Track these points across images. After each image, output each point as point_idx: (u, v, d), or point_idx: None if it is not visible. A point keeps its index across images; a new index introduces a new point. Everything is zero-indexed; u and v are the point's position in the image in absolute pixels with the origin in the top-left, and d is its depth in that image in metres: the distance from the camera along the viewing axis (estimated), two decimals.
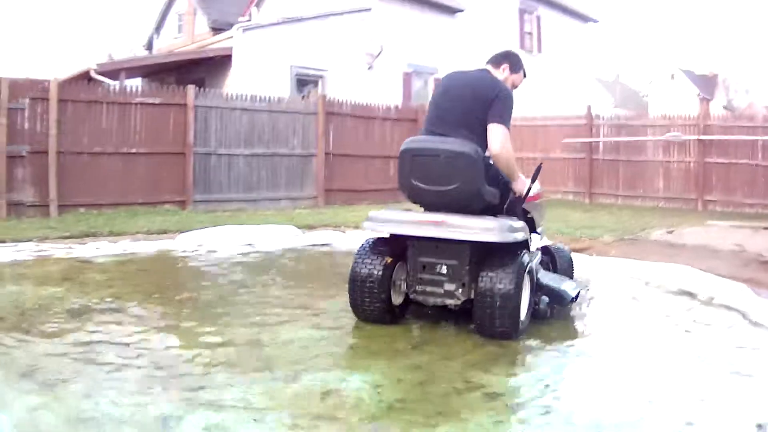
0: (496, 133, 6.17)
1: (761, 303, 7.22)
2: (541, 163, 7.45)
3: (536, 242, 7.11)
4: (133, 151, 16.77)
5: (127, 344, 5.71)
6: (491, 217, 6.28)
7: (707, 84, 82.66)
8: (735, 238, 11.84)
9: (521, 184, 6.48)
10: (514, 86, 6.82)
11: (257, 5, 31.83)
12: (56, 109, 15.50)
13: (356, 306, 6.51)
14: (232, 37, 24.17)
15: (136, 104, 16.90)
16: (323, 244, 11.99)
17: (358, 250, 6.62)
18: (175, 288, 8.38)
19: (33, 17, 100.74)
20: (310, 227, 13.94)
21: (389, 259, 6.43)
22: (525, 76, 7.02)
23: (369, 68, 26.26)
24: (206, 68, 24.95)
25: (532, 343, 6.03)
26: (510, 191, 6.55)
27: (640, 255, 10.67)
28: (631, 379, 5.16)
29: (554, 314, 6.85)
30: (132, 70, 25.40)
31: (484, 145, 6.21)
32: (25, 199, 15.21)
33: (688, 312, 7.38)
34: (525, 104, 26.54)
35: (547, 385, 4.96)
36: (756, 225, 13.64)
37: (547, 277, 6.90)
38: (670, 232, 12.70)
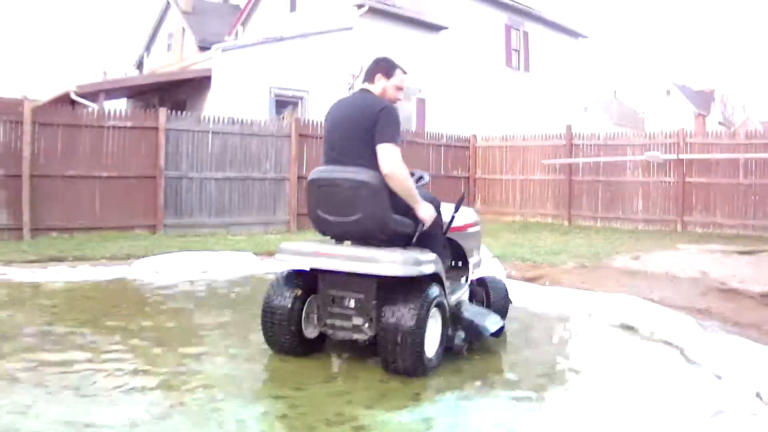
0: (383, 153, 5.91)
1: (703, 338, 6.95)
2: (464, 193, 7.75)
3: (461, 274, 7.33)
4: (105, 174, 16.50)
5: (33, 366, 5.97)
6: (398, 249, 6.03)
7: (703, 100, 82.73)
8: (701, 264, 11.53)
9: (425, 209, 6.13)
10: (399, 89, 6.57)
11: (243, 24, 31.76)
12: (30, 131, 15.43)
13: (268, 337, 6.43)
14: (211, 57, 23.87)
15: (108, 127, 16.70)
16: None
17: (272, 282, 6.53)
18: (107, 316, 8.24)
19: (27, 36, 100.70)
20: (271, 253, 13.52)
21: (299, 292, 6.32)
22: (404, 72, 6.67)
23: (349, 89, 25.85)
24: (188, 89, 24.72)
25: (436, 381, 5.81)
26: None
27: (596, 283, 10.43)
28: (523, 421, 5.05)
29: (478, 349, 6.70)
30: (115, 91, 25.21)
31: (373, 166, 5.97)
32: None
33: (623, 347, 7.26)
34: (510, 124, 26.52)
35: (429, 428, 4.89)
36: (729, 249, 13.44)
37: (470, 311, 6.66)
38: (635, 258, 12.34)
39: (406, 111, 27.81)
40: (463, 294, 6.97)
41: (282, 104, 24.86)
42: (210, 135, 18.34)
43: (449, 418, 5.01)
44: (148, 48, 38.35)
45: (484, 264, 8.62)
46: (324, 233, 6.43)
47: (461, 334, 6.34)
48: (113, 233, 15.93)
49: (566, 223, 21.32)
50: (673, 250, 13.60)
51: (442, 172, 23.63)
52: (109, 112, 17.37)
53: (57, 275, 10.85)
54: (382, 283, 5.93)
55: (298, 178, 19.44)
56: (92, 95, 21.62)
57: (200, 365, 6.17)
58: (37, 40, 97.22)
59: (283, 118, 23.25)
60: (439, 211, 6.49)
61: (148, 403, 5.14)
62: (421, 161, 22.73)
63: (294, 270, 6.50)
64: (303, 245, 6.36)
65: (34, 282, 10.37)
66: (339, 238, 6.37)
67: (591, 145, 21.37)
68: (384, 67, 6.51)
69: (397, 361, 5.76)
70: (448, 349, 6.23)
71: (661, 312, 8.06)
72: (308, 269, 6.35)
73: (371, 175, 5.92)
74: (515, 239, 16.77)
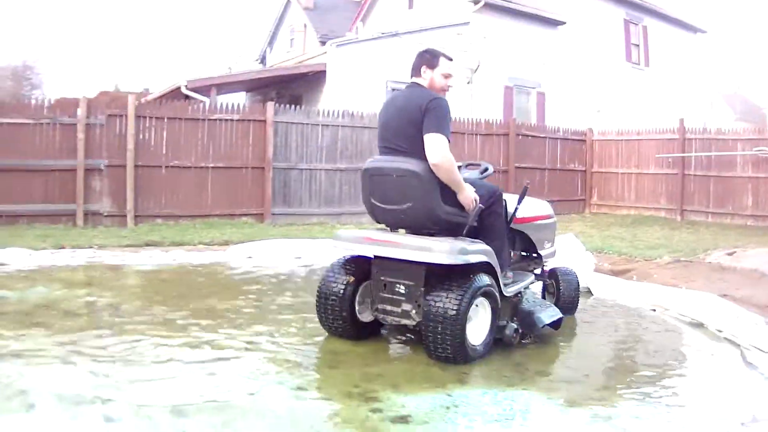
0: (431, 143, 5.96)
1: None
2: (527, 184, 7.37)
3: (531, 265, 7.67)
4: (212, 165, 17.03)
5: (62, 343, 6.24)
6: (449, 238, 6.09)
7: None
8: None
9: (466, 194, 6.15)
10: (447, 77, 6.50)
11: (363, 20, 31.83)
12: (133, 124, 16.08)
13: (322, 321, 6.68)
14: (326, 53, 24.11)
15: (216, 120, 17.19)
16: None
17: (328, 268, 6.78)
18: (180, 297, 8.64)
19: (158, 33, 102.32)
20: None
21: (351, 278, 6.53)
22: (449, 58, 6.58)
23: (468, 83, 25.81)
24: (304, 83, 25.07)
25: (479, 369, 5.86)
26: (479, 210, 6.28)
27: (685, 279, 10.23)
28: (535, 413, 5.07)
29: (537, 339, 6.81)
30: (228, 86, 25.66)
31: (424, 158, 6.03)
32: (102, 209, 15.91)
33: (683, 344, 7.24)
34: (629, 119, 26.13)
35: (446, 413, 4.86)
36: None
37: (529, 303, 6.76)
38: (730, 254, 12.02)
39: (524, 105, 27.73)
40: (527, 284, 6.99)
41: None
42: (320, 128, 18.66)
43: (471, 407, 4.98)
44: (270, 43, 38.80)
45: (562, 256, 8.86)
46: (378, 221, 6.60)
47: (513, 325, 6.35)
48: (219, 221, 16.42)
49: (679, 218, 20.87)
50: None
51: (558, 165, 23.44)
52: (218, 106, 18.06)
53: (150, 258, 11.46)
54: (432, 270, 6.01)
55: None
56: (204, 89, 22.05)
57: (252, 343, 6.48)
58: (168, 37, 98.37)
59: None
60: (498, 202, 6.54)
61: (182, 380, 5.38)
62: (538, 154, 22.88)
63: (349, 257, 6.68)
64: (357, 233, 6.54)
65: (122, 264, 11.01)
66: (392, 227, 6.55)
67: (703, 140, 20.87)
68: (427, 58, 6.48)
69: (438, 347, 5.82)
70: (498, 339, 6.28)
71: (734, 311, 7.92)
72: (362, 256, 6.55)
73: (420, 166, 5.99)
74: (621, 233, 16.66)
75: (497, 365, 5.97)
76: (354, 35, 26.45)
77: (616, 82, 29.59)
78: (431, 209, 6.05)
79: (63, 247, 12.21)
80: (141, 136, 16.32)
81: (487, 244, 6.23)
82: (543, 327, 6.63)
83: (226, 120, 17.36)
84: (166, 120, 16.61)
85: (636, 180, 22.68)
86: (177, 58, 78.99)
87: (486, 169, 7.16)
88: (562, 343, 6.99)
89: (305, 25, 35.19)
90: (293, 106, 18.90)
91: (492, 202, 6.46)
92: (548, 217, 7.78)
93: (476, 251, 6.00)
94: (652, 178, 22.21)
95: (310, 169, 18.39)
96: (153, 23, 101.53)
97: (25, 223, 15.00)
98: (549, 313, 6.77)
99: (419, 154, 6.01)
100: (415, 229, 6.32)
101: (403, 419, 4.66)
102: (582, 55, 28.34)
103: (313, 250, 11.88)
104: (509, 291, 6.46)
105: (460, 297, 5.79)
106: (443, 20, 26.06)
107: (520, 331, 6.44)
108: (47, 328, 6.76)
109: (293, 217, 17.83)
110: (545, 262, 7.72)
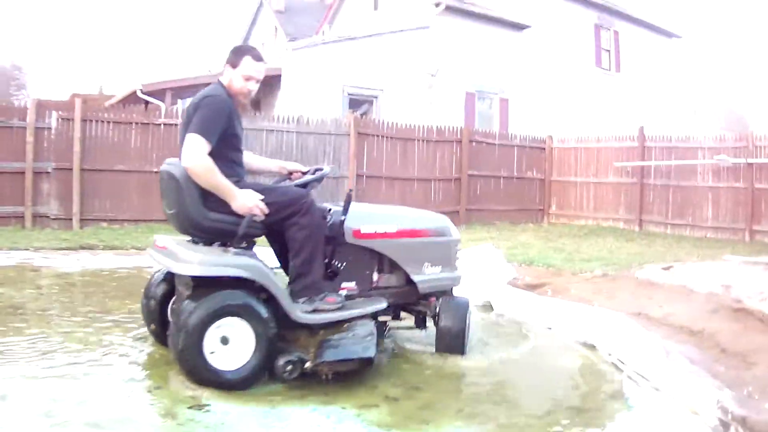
0: (185, 145, 5.51)
1: (660, 366, 6.22)
2: (350, 192, 6.95)
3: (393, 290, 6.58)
4: (156, 170, 16.18)
5: None
6: (211, 248, 5.73)
7: None
8: (732, 278, 10.34)
9: (241, 201, 5.52)
10: (247, 80, 5.87)
11: (330, 22, 31.50)
12: (80, 127, 16.09)
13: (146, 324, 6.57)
14: (280, 57, 23.56)
15: (159, 125, 17.06)
16: None
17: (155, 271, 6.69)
18: (82, 300, 8.83)
19: (136, 34, 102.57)
20: None
21: (165, 286, 6.38)
22: (260, 59, 5.99)
23: (429, 87, 25.14)
24: (262, 88, 23.98)
25: (209, 393, 5.28)
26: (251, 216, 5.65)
27: (607, 295, 9.67)
28: None
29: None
30: (191, 89, 25.07)
31: (216, 162, 5.51)
32: (50, 212, 15.97)
33: (557, 365, 6.85)
34: (599, 126, 25.46)
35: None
36: None
37: (346, 333, 5.79)
38: (666, 269, 11.31)
39: (487, 111, 27.06)
40: (358, 314, 5.99)
41: (356, 103, 24.34)
42: (264, 133, 18.13)
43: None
44: None
45: (476, 266, 8.63)
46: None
47: (289, 357, 5.55)
48: (163, 226, 15.45)
49: (637, 228, 20.15)
50: (716, 260, 12.52)
51: (516, 173, 22.65)
52: (164, 111, 17.91)
53: (76, 262, 11.66)
54: (198, 282, 5.48)
55: (357, 175, 19.21)
56: (159, 93, 21.77)
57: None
58: (144, 38, 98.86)
59: (363, 115, 23.07)
60: (304, 212, 5.75)
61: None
62: (494, 162, 22.14)
63: None
64: (158, 238, 6.15)
65: (45, 266, 11.13)
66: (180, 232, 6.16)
67: (663, 148, 20.09)
68: (231, 56, 5.91)
69: (180, 362, 5.40)
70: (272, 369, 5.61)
71: (636, 333, 7.33)
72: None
73: (178, 169, 5.59)
74: (565, 244, 15.99)
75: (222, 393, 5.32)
76: (320, 38, 25.77)
77: (585, 88, 28.97)
78: (190, 216, 5.64)
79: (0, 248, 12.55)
80: (89, 140, 16.21)
81: (291, 259, 5.76)
82: (335, 361, 5.59)
83: (172, 124, 16.93)
84: (111, 124, 16.54)
85: (595, 189, 21.93)
86: (159, 60, 78.65)
87: (318, 170, 6.37)
88: (421, 361, 6.52)
89: (276, 28, 34.74)
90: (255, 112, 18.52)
91: (293, 211, 5.72)
92: (431, 233, 6.75)
93: (227, 264, 5.44)
94: (610, 187, 21.49)
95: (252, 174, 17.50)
96: (138, 25, 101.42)
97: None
98: (349, 349, 5.68)
99: None
100: (189, 236, 5.95)
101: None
102: (549, 60, 27.71)
103: None
104: (306, 318, 5.71)
105: (194, 313, 5.29)
106: (404, 24, 25.49)
107: (306, 363, 5.56)
108: None
109: None
110: (426, 288, 6.63)
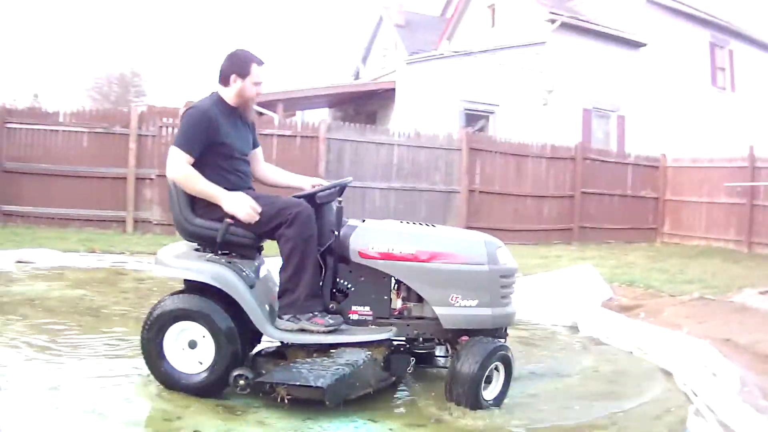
0: (169, 157, 5.52)
1: (732, 400, 5.90)
2: (340, 203, 5.67)
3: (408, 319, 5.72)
4: None
5: None
6: (198, 253, 5.62)
7: None
8: None
9: (231, 203, 5.44)
10: (257, 85, 5.81)
11: (449, 38, 31.45)
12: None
13: None
14: (394, 71, 23.68)
15: (267, 135, 17.03)
16: None
17: None
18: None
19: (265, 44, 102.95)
20: None
21: None
22: (261, 62, 5.86)
23: (544, 104, 24.94)
24: (379, 101, 24.91)
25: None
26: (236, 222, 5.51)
27: (700, 318, 9.29)
28: None
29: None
30: (311, 100, 25.52)
31: (200, 171, 5.50)
32: (152, 217, 16.67)
33: (626, 392, 6.36)
34: (714, 144, 24.94)
35: None
36: None
37: (316, 360, 5.33)
38: (763, 293, 11.05)
39: (604, 128, 26.73)
40: (347, 340, 5.46)
41: (472, 118, 24.30)
42: (374, 146, 18.30)
43: None
44: (364, 59, 38.59)
45: (571, 288, 8.20)
46: None
47: (239, 371, 5.24)
48: None
49: (746, 250, 19.49)
50: None
51: (630, 191, 22.21)
52: (275, 122, 18.24)
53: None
54: (186, 285, 5.57)
55: (469, 191, 19.12)
56: (271, 104, 21.89)
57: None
58: (261, 50, 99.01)
59: (480, 130, 23.13)
60: (293, 223, 5.42)
61: None
62: (608, 180, 21.76)
63: None
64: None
65: (134, 269, 11.37)
66: None
67: None
68: (238, 65, 5.78)
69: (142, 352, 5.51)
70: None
71: (718, 362, 7.03)
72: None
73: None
74: (670, 266, 15.48)
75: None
76: (435, 52, 25.76)
77: (700, 107, 28.16)
78: (179, 221, 5.66)
79: (94, 251, 12.90)
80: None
81: (279, 273, 5.55)
82: (289, 386, 5.08)
83: (279, 135, 17.31)
84: None
85: (707, 209, 21.28)
86: (282, 72, 79.18)
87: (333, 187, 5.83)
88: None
89: (396, 43, 34.84)
90: (349, 123, 18.72)
91: (280, 222, 5.46)
92: (459, 260, 5.64)
93: (187, 268, 5.45)
94: (722, 208, 20.80)
95: (363, 188, 17.89)
96: (255, 37, 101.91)
97: (76, 227, 15.75)
98: (301, 375, 5.11)
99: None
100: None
101: None
102: (665, 78, 27.12)
103: None
104: (280, 336, 5.43)
105: (155, 311, 5.40)
106: (521, 39, 25.40)
107: (249, 380, 5.22)
108: (15, 316, 7.55)
109: None
110: (450, 322, 5.59)
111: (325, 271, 5.62)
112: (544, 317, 9.21)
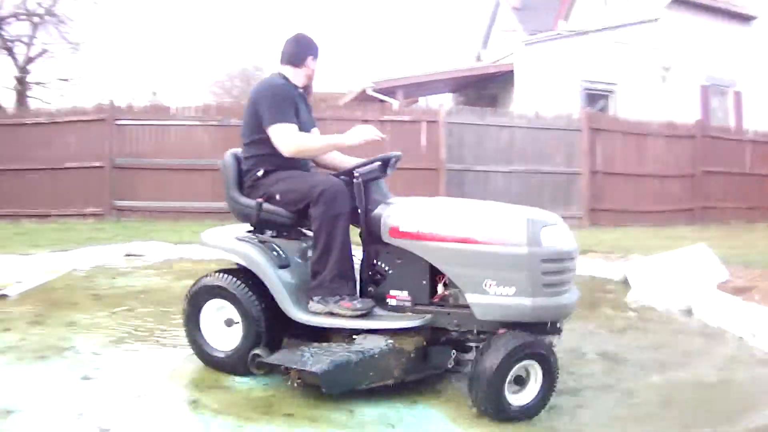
0: (274, 138, 5.44)
1: None
2: (358, 177, 5.37)
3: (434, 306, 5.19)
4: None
5: None
6: (234, 232, 5.67)
7: None
8: None
9: (351, 137, 5.52)
10: (311, 77, 5.91)
11: (565, 17, 31.11)
12: None
13: None
14: (512, 53, 23.88)
15: (385, 121, 17.34)
16: None
17: None
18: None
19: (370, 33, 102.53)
20: None
21: None
22: (317, 56, 5.91)
23: (662, 81, 24.71)
24: (499, 84, 25.00)
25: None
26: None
27: None
28: None
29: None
30: (432, 85, 25.75)
31: (262, 147, 5.56)
32: None
33: (725, 381, 6.01)
34: None
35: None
36: None
37: (330, 347, 5.14)
38: None
39: (721, 105, 26.26)
40: (367, 327, 5.13)
41: (593, 98, 24.19)
42: (496, 129, 18.37)
43: None
44: (485, 43, 38.46)
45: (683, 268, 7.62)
46: None
47: (256, 351, 5.24)
48: None
49: None
50: None
51: (749, 170, 21.53)
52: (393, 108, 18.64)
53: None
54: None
55: (591, 172, 18.93)
56: (390, 90, 22.22)
57: None
58: (378, 37, 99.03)
59: (600, 110, 23.22)
60: (318, 202, 5.23)
61: None
62: (728, 157, 21.11)
63: None
64: None
65: None
66: None
67: None
68: (315, 48, 5.94)
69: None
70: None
71: None
72: None
73: (227, 155, 5.88)
74: None
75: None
76: (551, 33, 25.66)
77: None
78: (228, 202, 5.78)
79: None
80: None
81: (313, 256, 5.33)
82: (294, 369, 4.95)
83: (398, 121, 17.62)
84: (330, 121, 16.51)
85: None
86: (396, 59, 78.81)
87: (375, 161, 5.46)
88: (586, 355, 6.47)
89: (513, 25, 34.74)
90: (470, 107, 18.84)
91: (308, 202, 5.31)
92: (494, 241, 4.86)
93: (216, 245, 5.70)
94: None
95: (486, 171, 18.14)
96: (372, 25, 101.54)
97: (190, 219, 15.91)
98: (301, 358, 4.95)
99: (248, 141, 5.75)
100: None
101: None
102: None
103: None
104: (304, 318, 5.20)
105: (193, 287, 5.60)
106: (634, 17, 25.11)
107: (257, 358, 5.22)
108: (120, 308, 7.70)
109: None
110: (484, 313, 4.88)
111: (363, 251, 5.41)
112: (656, 300, 9.04)
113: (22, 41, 29.68)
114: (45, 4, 28.78)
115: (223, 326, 5.48)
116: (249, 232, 5.60)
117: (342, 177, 5.41)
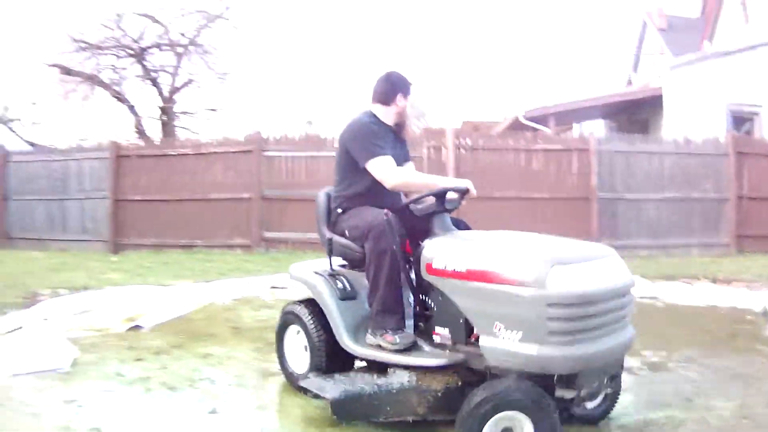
0: (375, 172, 5.53)
1: None
2: (386, 213, 5.37)
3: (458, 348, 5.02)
4: (534, 196, 17.45)
5: None
6: (315, 265, 6.08)
7: None
8: None
9: (442, 181, 5.48)
10: (402, 115, 6.00)
11: (710, 38, 30.69)
12: (452, 155, 17.22)
13: None
14: (659, 76, 23.84)
15: (535, 150, 17.69)
16: (651, 297, 10.75)
17: None
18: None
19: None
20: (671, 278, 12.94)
21: None
22: (407, 94, 5.96)
23: None
24: (649, 108, 24.65)
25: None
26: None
27: None
28: None
29: None
30: (583, 112, 25.91)
31: (348, 187, 5.83)
32: None
33: None
34: None
35: None
36: None
37: (359, 376, 5.44)
38: None
39: None
40: (408, 360, 5.08)
41: (738, 121, 23.48)
42: (646, 156, 18.25)
43: None
44: (635, 66, 38.14)
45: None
46: None
47: (311, 377, 5.59)
48: None
49: None
50: None
51: None
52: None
53: None
54: None
55: (738, 197, 18.40)
56: (541, 119, 22.52)
57: None
58: (527, 64, 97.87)
59: (747, 133, 22.58)
60: (369, 237, 5.35)
61: None
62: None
63: None
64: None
65: None
66: None
67: None
68: (407, 85, 6.00)
69: None
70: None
71: None
72: None
73: (321, 194, 6.19)
74: None
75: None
76: (695, 55, 25.25)
77: None
78: (322, 236, 6.08)
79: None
80: (462, 167, 16.95)
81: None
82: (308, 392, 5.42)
83: (548, 150, 17.73)
84: (481, 150, 17.27)
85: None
86: (552, 85, 78.00)
87: (443, 195, 5.36)
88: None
89: (660, 47, 34.48)
90: (620, 133, 19.27)
91: (364, 237, 5.46)
92: (504, 279, 4.43)
93: (298, 278, 6.13)
94: None
95: (636, 200, 18.07)
96: (533, 50, 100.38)
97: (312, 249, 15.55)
98: (318, 382, 5.37)
99: (339, 179, 5.98)
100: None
101: None
102: None
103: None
104: (353, 349, 5.44)
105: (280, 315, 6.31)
106: None
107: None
108: (256, 343, 7.84)
109: (620, 249, 17.15)
110: (492, 359, 4.54)
111: (416, 286, 5.35)
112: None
113: (166, 71, 30.25)
114: (189, 35, 29.47)
115: (303, 350, 5.94)
116: (341, 266, 5.96)
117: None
